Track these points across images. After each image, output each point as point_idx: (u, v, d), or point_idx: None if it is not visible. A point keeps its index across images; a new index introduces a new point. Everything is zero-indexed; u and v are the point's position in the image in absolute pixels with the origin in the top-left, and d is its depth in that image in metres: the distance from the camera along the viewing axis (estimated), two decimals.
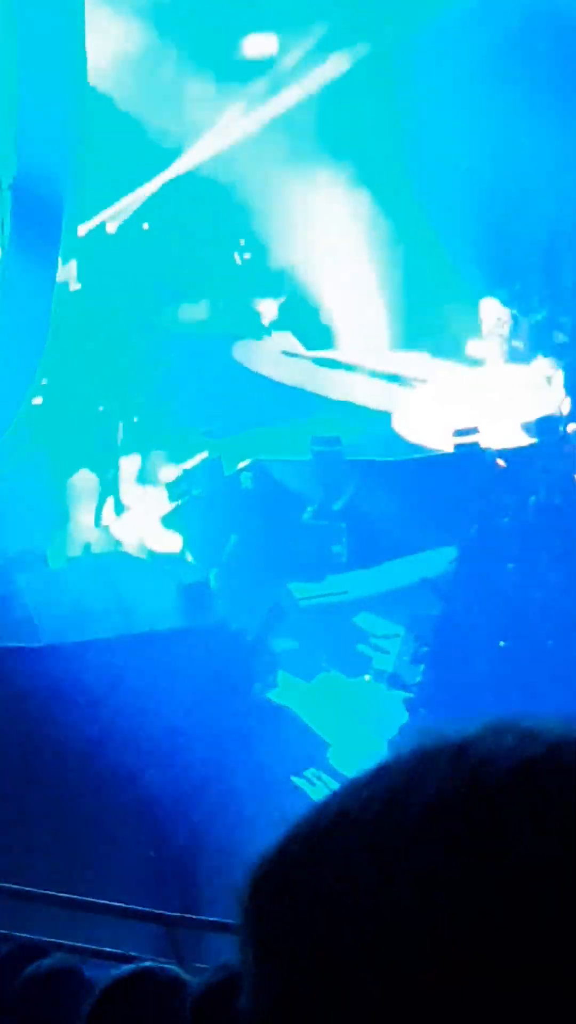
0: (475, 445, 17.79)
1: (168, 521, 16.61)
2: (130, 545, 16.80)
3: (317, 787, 13.69)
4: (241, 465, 18.45)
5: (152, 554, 15.43)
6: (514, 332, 19.94)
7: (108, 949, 8.18)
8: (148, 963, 3.82)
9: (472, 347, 20.73)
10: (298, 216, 23.04)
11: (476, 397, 19.47)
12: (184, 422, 20.16)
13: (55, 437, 18.53)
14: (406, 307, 22.55)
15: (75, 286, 20.09)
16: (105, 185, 20.56)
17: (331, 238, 23.04)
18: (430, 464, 18.06)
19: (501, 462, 17.38)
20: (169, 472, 18.23)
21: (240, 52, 23.34)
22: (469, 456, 17.55)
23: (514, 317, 20.01)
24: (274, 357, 21.83)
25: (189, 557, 15.33)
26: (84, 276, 20.37)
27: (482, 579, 15.07)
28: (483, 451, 17.60)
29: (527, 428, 18.30)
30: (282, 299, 22.78)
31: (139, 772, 12.56)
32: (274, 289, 23.16)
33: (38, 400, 18.19)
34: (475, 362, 20.45)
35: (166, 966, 3.82)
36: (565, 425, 17.89)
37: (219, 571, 16.19)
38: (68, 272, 19.58)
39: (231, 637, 14.45)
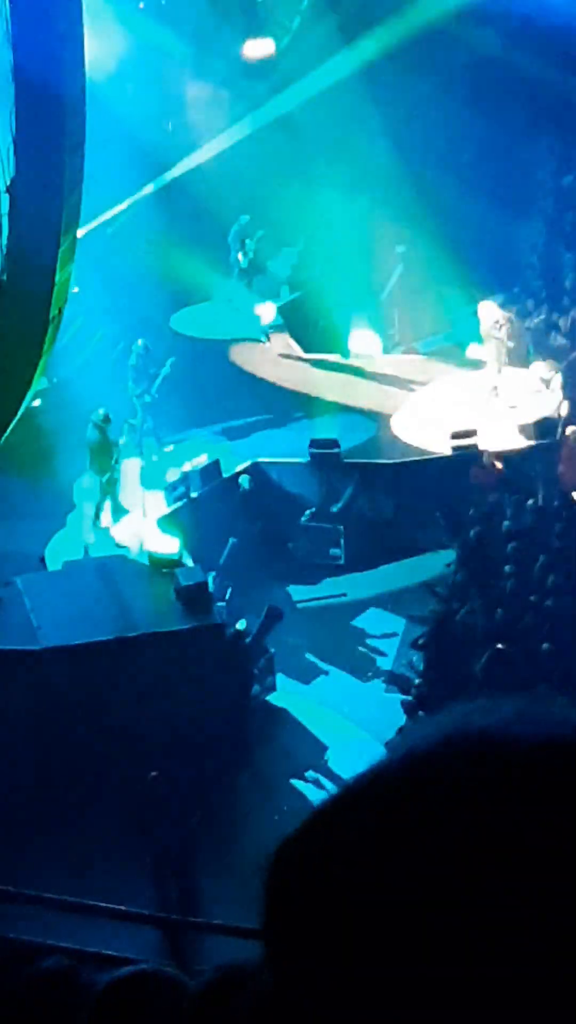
0: (473, 447, 17.79)
1: (166, 523, 16.59)
2: (129, 547, 16.78)
3: (316, 789, 13.69)
4: (240, 468, 18.45)
5: (151, 556, 15.41)
6: (512, 335, 19.93)
7: (107, 952, 8.19)
8: (146, 965, 3.83)
9: (471, 349, 20.73)
10: (298, 216, 23.06)
11: (475, 399, 19.47)
12: (184, 423, 20.15)
13: (55, 437, 18.53)
14: (406, 308, 22.56)
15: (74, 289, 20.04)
16: (105, 186, 20.51)
17: (330, 240, 23.07)
18: (428, 466, 18.05)
19: (499, 464, 17.38)
20: (168, 474, 18.22)
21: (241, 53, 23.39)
22: (467, 458, 17.55)
23: (512, 320, 20.01)
24: (273, 359, 21.83)
25: (188, 560, 15.31)
26: (84, 276, 20.34)
27: (480, 581, 15.07)
28: (481, 453, 17.60)
29: (525, 430, 18.30)
30: (281, 301, 22.78)
31: (139, 773, 12.56)
32: (273, 291, 23.15)
33: (37, 402, 18.16)
34: (474, 364, 20.45)
35: (165, 968, 3.83)
36: (563, 427, 17.89)
37: (217, 573, 16.18)
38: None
39: (230, 639, 14.44)
